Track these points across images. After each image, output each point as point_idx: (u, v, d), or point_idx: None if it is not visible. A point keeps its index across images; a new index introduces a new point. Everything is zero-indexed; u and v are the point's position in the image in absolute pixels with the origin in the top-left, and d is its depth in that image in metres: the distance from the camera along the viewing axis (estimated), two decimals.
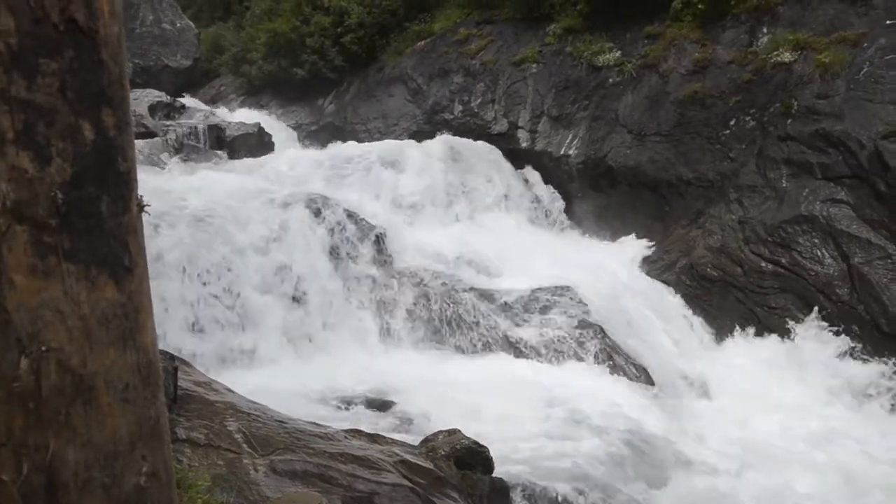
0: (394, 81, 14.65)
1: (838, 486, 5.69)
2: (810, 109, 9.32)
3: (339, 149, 11.92)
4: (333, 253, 8.04)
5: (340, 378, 6.56)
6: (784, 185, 9.15)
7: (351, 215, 8.49)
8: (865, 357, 7.69)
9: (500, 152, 11.85)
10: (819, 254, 8.49)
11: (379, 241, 8.43)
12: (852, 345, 7.83)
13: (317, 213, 8.30)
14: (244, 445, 3.60)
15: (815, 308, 8.21)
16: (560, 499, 5.05)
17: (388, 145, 11.51)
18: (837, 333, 7.96)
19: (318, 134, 15.13)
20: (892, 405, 7.22)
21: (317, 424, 4.36)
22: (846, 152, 8.78)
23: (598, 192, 11.09)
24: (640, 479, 5.35)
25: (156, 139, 11.57)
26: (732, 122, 10.11)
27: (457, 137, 12.02)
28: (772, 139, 9.52)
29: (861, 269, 8.14)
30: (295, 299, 7.54)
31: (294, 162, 10.81)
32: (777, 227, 8.84)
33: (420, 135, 12.99)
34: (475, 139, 12.07)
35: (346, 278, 7.88)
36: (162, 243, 7.09)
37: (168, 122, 12.69)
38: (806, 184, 8.98)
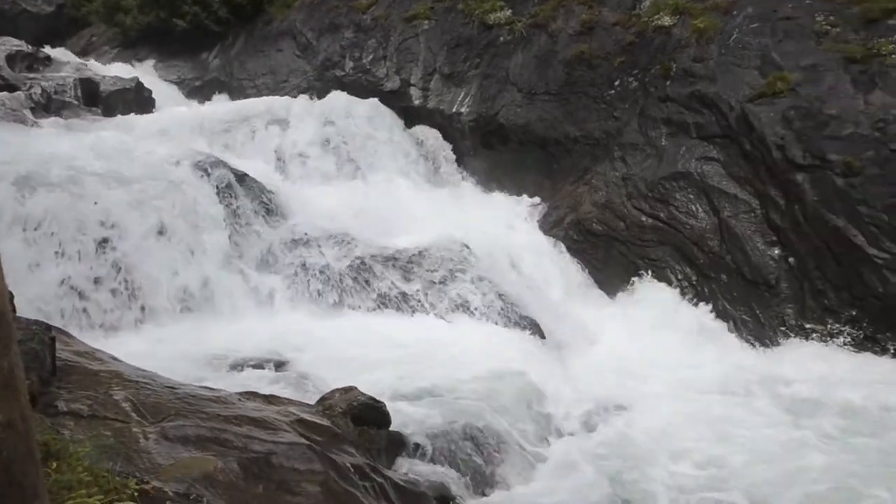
0: (282, 36, 14.13)
1: (708, 421, 6.22)
2: (687, 72, 9.84)
3: (225, 106, 11.43)
4: (221, 214, 7.77)
5: (233, 341, 6.42)
6: (663, 143, 9.67)
7: (238, 175, 8.21)
8: (728, 302, 8.39)
9: (392, 110, 11.76)
10: (693, 208, 9.09)
11: (269, 201, 8.22)
12: (719, 292, 8.50)
13: (203, 172, 7.97)
14: (133, 414, 3.49)
15: (689, 259, 8.83)
16: (454, 448, 5.25)
17: (278, 102, 11.16)
18: (707, 282, 8.62)
19: (203, 90, 14.40)
20: (749, 341, 7.98)
21: (209, 389, 4.28)
22: (718, 113, 9.37)
23: (490, 150, 11.28)
24: (529, 428, 5.63)
25: (17, 93, 10.60)
26: (617, 83, 10.52)
27: (348, 95, 11.79)
28: (653, 99, 9.99)
29: (729, 222, 8.79)
30: (182, 262, 7.26)
31: (177, 120, 10.28)
32: (657, 184, 9.35)
33: (311, 91, 12.66)
34: (367, 96, 11.91)
35: (235, 239, 7.66)
36: (33, 206, 6.61)
37: (31, 75, 11.64)
38: (683, 142, 9.53)
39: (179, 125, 10.00)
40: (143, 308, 6.78)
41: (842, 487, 5.14)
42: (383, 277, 7.54)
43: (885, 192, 7.94)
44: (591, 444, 5.65)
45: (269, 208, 8.21)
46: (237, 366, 5.99)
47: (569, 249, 9.35)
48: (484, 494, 5.13)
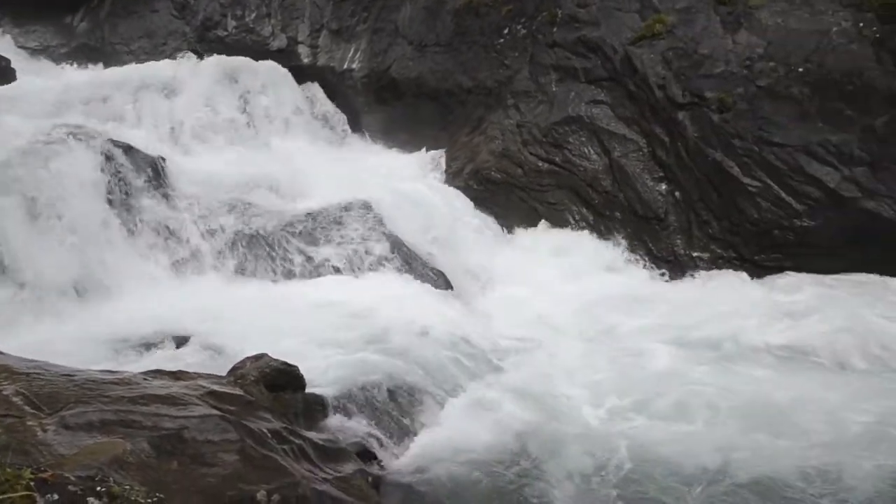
0: None
1: (614, 354, 6.60)
2: (572, 17, 10.05)
3: (100, 74, 10.71)
4: (106, 189, 7.36)
5: (134, 320, 6.19)
6: (554, 89, 9.90)
7: (121, 146, 7.77)
8: (624, 238, 8.84)
9: (281, 69, 11.39)
10: (586, 151, 9.42)
11: (158, 172, 7.85)
12: (615, 229, 8.94)
13: (81, 145, 7.48)
14: (26, 407, 3.34)
15: (585, 200, 9.20)
16: (371, 403, 5.34)
17: (158, 68, 10.55)
18: (604, 220, 9.03)
19: (72, 57, 13.38)
20: (647, 272, 8.49)
21: (111, 372, 4.14)
22: (603, 57, 9.66)
23: (385, 105, 11.19)
24: (443, 376, 5.79)
25: None
26: (506, 31, 10.61)
27: (234, 57, 11.30)
28: (541, 46, 10.16)
29: (620, 161, 9.18)
30: (69, 244, 6.87)
31: (45, 90, 9.55)
32: (550, 129, 9.60)
33: (193, 55, 12.04)
34: (254, 57, 11.46)
35: (124, 216, 7.30)
36: None
37: None
38: (572, 87, 9.79)
39: (45, 96, 9.29)
40: (32, 297, 6.40)
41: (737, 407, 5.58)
42: (286, 242, 7.43)
43: (754, 125, 8.51)
44: (505, 385, 5.87)
45: (160, 180, 7.85)
46: (140, 345, 5.80)
47: (470, 199, 9.51)
48: (404, 444, 5.28)
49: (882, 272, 8.00)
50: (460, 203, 9.33)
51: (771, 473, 4.75)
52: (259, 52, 11.74)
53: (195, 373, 4.62)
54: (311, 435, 4.37)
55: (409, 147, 10.77)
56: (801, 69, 8.57)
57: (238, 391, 4.22)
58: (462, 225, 8.90)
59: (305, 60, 11.65)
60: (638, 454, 4.96)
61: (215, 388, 4.11)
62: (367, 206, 8.02)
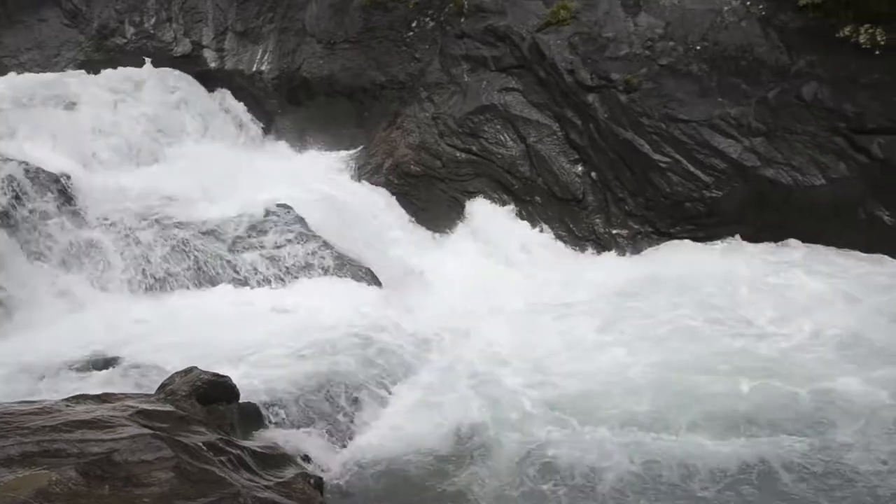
0: (43, 2, 12.58)
1: (544, 332, 6.76)
2: (478, 7, 10.17)
3: None
4: (8, 212, 6.97)
5: (54, 346, 5.92)
6: (466, 79, 10.00)
7: (22, 164, 7.37)
8: (545, 221, 9.06)
9: (187, 76, 11.05)
10: (502, 138, 9.57)
11: (64, 190, 7.49)
12: (536, 213, 9.14)
13: None
14: None
15: (505, 186, 9.35)
16: (308, 407, 5.32)
17: (50, 80, 10.02)
18: (525, 205, 9.22)
19: None
20: (570, 252, 8.74)
21: (29, 402, 3.96)
22: (512, 45, 9.82)
23: (298, 106, 11.04)
24: (379, 372, 5.81)
25: None
26: (414, 24, 10.64)
27: (140, 67, 10.88)
28: (450, 38, 10.24)
29: (535, 146, 9.38)
30: None
31: None
32: (465, 119, 9.70)
33: (91, 65, 11.50)
34: (156, 64, 11.07)
35: (30, 238, 6.94)
36: None
37: None
38: (483, 76, 9.92)
39: None
40: None
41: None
42: (207, 252, 7.24)
43: (660, 103, 8.87)
44: (442, 377, 5.95)
45: (67, 198, 7.49)
46: (62, 371, 5.56)
47: (392, 194, 9.52)
48: (344, 444, 5.27)
49: (780, 237, 8.51)
50: (382, 199, 9.32)
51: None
52: (162, 58, 11.34)
53: (122, 393, 4.48)
54: (249, 444, 4.31)
55: (327, 146, 10.66)
56: (698, 47, 8.98)
57: (169, 407, 4.11)
58: (386, 221, 8.91)
59: (212, 65, 11.34)
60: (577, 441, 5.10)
61: (144, 406, 4.00)
62: (288, 210, 7.91)
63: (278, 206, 8.04)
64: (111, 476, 3.13)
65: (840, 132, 8.40)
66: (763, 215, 8.62)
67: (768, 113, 8.68)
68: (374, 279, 7.56)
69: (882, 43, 8.18)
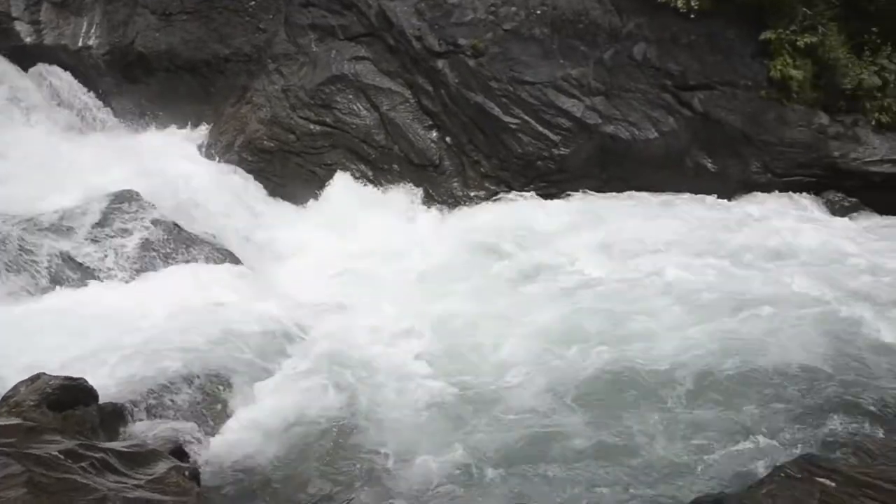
0: None
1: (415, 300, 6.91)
2: None
3: None
4: None
5: None
6: (314, 49, 9.77)
7: None
8: (404, 188, 9.18)
9: None
10: (355, 108, 9.49)
11: None
12: (394, 181, 9.23)
13: None
14: None
15: (362, 157, 9.33)
16: (177, 398, 5.14)
17: None
18: (383, 174, 9.26)
19: None
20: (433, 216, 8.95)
21: None
22: (359, 13, 9.69)
23: (136, 84, 10.29)
24: (248, 355, 5.69)
25: None
26: None
27: None
28: (295, 6, 9.92)
29: (389, 115, 9.40)
30: None
31: None
32: (317, 90, 9.52)
33: None
34: None
35: None
36: None
37: None
38: (332, 46, 9.74)
39: None
40: None
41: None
42: (44, 249, 6.66)
43: (506, 66, 9.17)
44: (313, 353, 5.92)
45: None
46: None
47: (247, 171, 9.20)
48: (220, 430, 5.17)
49: (624, 188, 9.19)
50: (237, 177, 8.97)
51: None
52: None
53: None
54: (114, 445, 4.12)
55: (172, 125, 10.04)
56: (538, 12, 9.33)
57: (15, 420, 3.84)
58: (242, 199, 8.60)
59: (27, 40, 10.27)
60: (455, 400, 5.32)
61: None
62: (134, 195, 7.43)
63: (122, 192, 7.52)
64: None
65: (667, 89, 9.14)
66: (607, 169, 9.24)
67: (605, 73, 9.24)
68: (234, 260, 7.34)
69: (696, 7, 8.92)
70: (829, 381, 5.39)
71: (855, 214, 8.78)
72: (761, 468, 4.46)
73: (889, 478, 3.92)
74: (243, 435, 5.01)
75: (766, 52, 9.06)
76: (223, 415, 5.29)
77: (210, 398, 5.36)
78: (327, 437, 4.90)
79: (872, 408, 5.06)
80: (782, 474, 4.03)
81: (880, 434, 4.78)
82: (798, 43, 8.85)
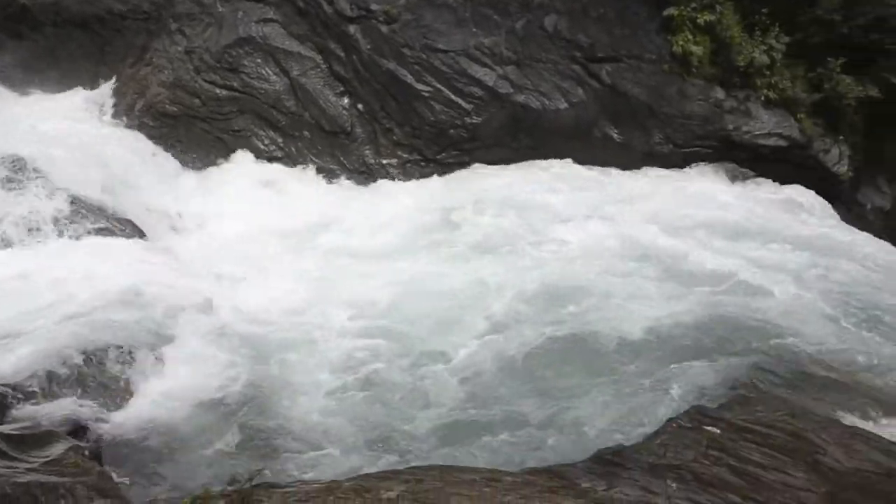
0: None
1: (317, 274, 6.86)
2: None
3: None
4: None
5: None
6: (220, 9, 9.36)
7: None
8: (315, 156, 9.00)
9: None
10: (264, 72, 9.19)
11: None
12: (305, 148, 9.03)
13: None
14: None
15: (271, 123, 9.07)
16: (74, 376, 4.95)
17: None
18: (293, 141, 9.05)
19: None
20: (343, 187, 8.80)
21: None
22: None
23: (21, 40, 9.53)
24: (151, 327, 5.52)
25: None
26: None
27: None
28: None
29: (299, 80, 9.16)
30: None
31: None
32: (223, 53, 9.14)
33: None
34: None
35: None
36: None
37: None
38: (238, 6, 9.35)
39: None
40: None
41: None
42: None
43: (420, 34, 9.10)
44: (218, 323, 5.81)
45: None
46: None
47: (148, 137, 8.75)
48: (122, 406, 5.02)
49: (535, 157, 9.36)
50: (137, 143, 8.49)
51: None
52: None
53: None
54: (2, 429, 3.94)
55: (63, 86, 9.39)
56: None
57: None
58: (143, 167, 8.18)
59: None
60: (367, 371, 5.37)
61: None
62: (20, 162, 6.94)
63: (12, 159, 7.01)
64: None
65: (577, 60, 9.32)
66: (518, 138, 9.39)
67: (517, 42, 9.32)
68: (135, 230, 7.03)
69: None
70: (716, 339, 5.79)
71: (749, 183, 9.33)
72: (658, 421, 4.77)
73: (764, 422, 4.31)
74: (148, 410, 4.90)
75: (669, 28, 9.38)
76: (126, 391, 5.14)
77: (112, 375, 5.19)
78: (232, 410, 4.86)
79: (755, 359, 5.48)
80: (675, 425, 4.37)
81: (760, 385, 5.20)
82: (698, 20, 9.21)
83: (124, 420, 4.84)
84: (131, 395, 5.13)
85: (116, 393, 5.14)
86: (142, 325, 5.46)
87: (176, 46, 9.21)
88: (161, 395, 4.95)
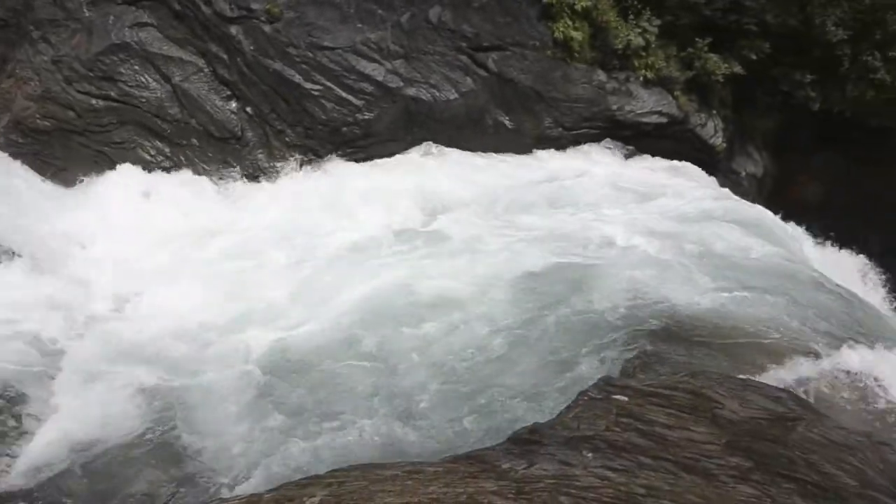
0: None
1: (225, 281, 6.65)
2: None
3: None
4: None
5: None
6: (87, 14, 8.82)
7: None
8: (206, 164, 8.69)
9: None
10: (143, 80, 8.76)
11: None
12: (195, 156, 8.70)
13: None
14: None
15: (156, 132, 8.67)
16: None
17: None
18: (181, 150, 8.69)
19: None
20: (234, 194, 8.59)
21: None
22: None
23: None
24: (36, 367, 5.18)
25: None
26: None
27: None
28: None
29: (182, 86, 8.80)
30: None
31: None
32: (95, 61, 8.64)
33: None
34: None
35: None
36: None
37: None
38: (109, 11, 8.85)
39: None
40: None
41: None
42: None
43: (304, 32, 8.95)
44: (115, 349, 5.52)
45: None
46: None
47: (17, 156, 8.15)
48: (16, 450, 4.70)
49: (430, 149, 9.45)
50: (6, 164, 7.92)
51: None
52: None
53: None
54: None
55: None
56: None
57: None
58: (16, 187, 7.64)
59: None
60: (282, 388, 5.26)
61: None
62: None
63: None
64: None
65: (463, 51, 9.47)
66: (412, 131, 9.44)
67: (404, 36, 9.35)
68: (13, 256, 6.56)
69: None
70: (618, 310, 6.02)
71: (635, 159, 9.84)
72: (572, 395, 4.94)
73: (667, 385, 4.57)
74: (47, 451, 4.58)
75: (549, 15, 9.68)
76: (20, 431, 4.81)
77: (3, 416, 4.84)
78: (137, 441, 4.62)
79: (655, 326, 5.74)
80: (586, 397, 4.54)
81: (663, 350, 5.48)
82: (576, 6, 9.56)
83: (22, 464, 4.52)
84: (29, 435, 4.81)
85: (8, 436, 4.81)
86: (28, 358, 5.12)
87: (41, 56, 8.61)
88: (60, 434, 4.63)
